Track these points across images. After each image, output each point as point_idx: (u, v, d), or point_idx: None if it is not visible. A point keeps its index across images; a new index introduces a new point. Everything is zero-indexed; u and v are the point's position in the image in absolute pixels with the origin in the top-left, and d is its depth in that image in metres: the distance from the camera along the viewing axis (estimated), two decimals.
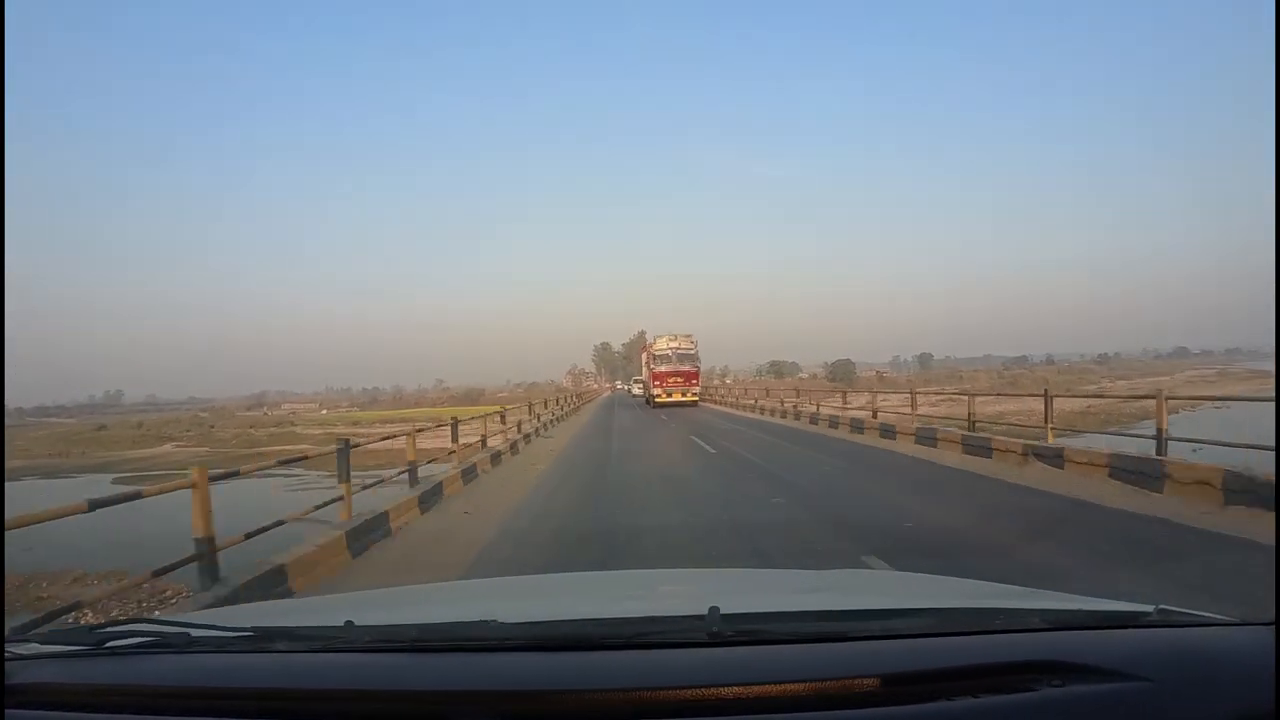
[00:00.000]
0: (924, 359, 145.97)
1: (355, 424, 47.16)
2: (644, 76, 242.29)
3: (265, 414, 75.05)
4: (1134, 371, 75.35)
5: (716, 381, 66.67)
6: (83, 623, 2.41)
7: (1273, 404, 5.87)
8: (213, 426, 49.78)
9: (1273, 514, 4.73)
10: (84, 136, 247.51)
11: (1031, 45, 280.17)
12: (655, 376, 29.63)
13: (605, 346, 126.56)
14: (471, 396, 79.77)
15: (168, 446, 37.80)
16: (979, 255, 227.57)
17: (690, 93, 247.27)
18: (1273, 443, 5.72)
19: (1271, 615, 0.91)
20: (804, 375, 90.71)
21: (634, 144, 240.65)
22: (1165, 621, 0.99)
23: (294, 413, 75.80)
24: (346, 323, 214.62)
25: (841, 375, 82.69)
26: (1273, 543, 4.36)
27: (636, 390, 47.66)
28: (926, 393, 23.48)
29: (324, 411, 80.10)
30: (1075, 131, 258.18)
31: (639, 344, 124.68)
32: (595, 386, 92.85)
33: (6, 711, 0.86)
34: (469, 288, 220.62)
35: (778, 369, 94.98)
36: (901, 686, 0.84)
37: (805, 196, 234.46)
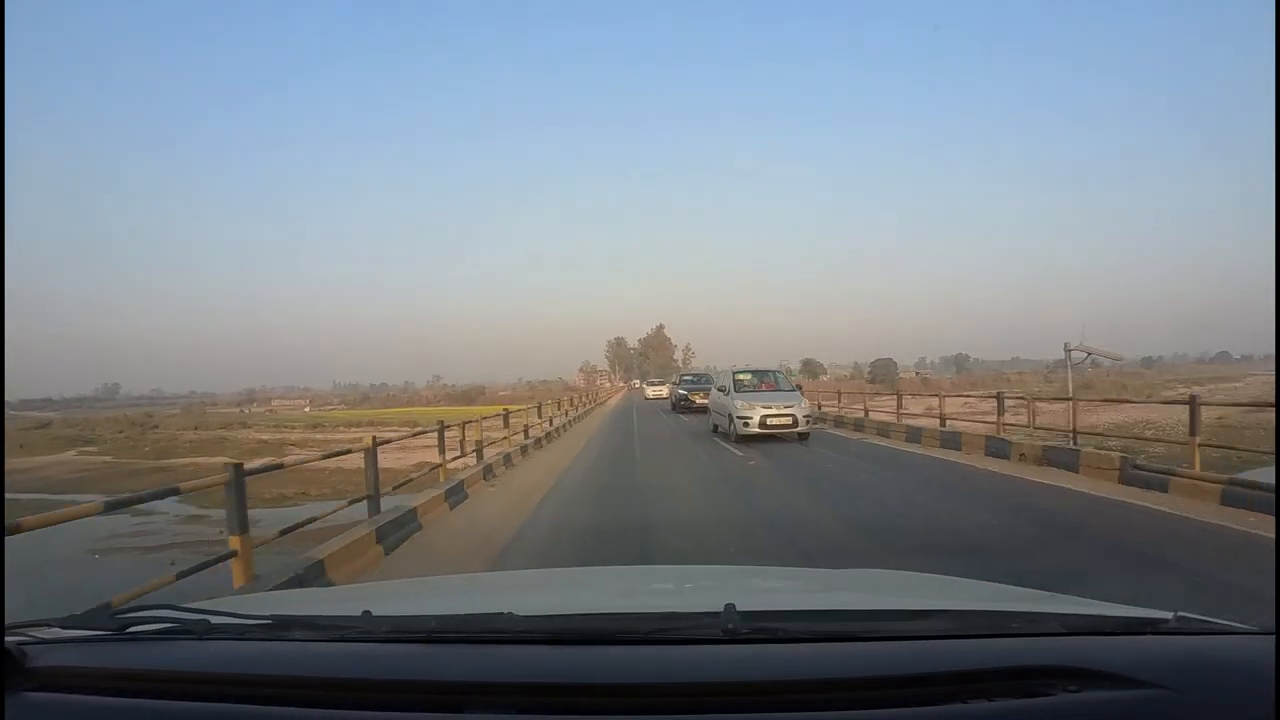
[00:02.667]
0: (960, 360, 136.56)
1: (317, 426, 40.06)
2: (666, 68, 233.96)
3: (241, 411, 68.62)
4: (1201, 376, 65.89)
5: None
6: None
7: None
8: (156, 427, 42.56)
9: None
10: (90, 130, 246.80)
11: (1056, 32, 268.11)
12: None
13: (620, 342, 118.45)
14: (470, 395, 72.27)
15: (70, 454, 30.38)
16: (1008, 256, 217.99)
17: (710, 86, 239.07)
18: None
19: None
20: (825, 377, 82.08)
21: (653, 138, 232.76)
22: (1184, 629, 0.97)
23: (271, 410, 69.37)
24: (358, 317, 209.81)
25: (883, 376, 73.93)
26: None
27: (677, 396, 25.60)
28: (993, 396, 17.10)
29: (307, 409, 73.39)
30: (1108, 129, 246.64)
31: (657, 340, 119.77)
32: (609, 385, 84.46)
33: (27, 694, 0.86)
34: (482, 281, 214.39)
35: (811, 369, 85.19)
36: (916, 688, 0.83)
37: (825, 196, 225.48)
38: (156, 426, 42.87)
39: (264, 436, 34.50)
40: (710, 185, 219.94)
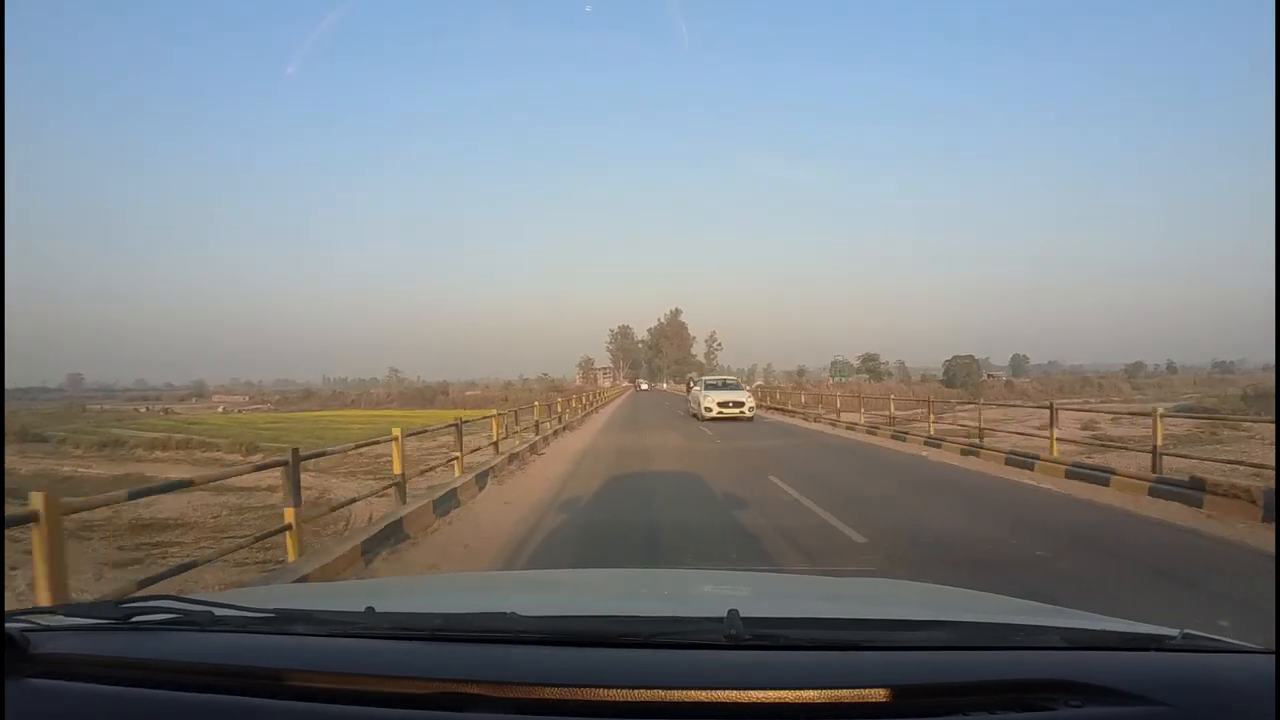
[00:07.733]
0: (1018, 363, 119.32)
1: (107, 445, 25.84)
2: (700, 61, 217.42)
3: (137, 411, 55.10)
4: None
5: (789, 386, 43.44)
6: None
7: None
8: None
9: None
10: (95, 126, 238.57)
11: (1110, 35, 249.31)
12: None
13: (624, 332, 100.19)
14: (428, 396, 57.66)
15: None
16: (1053, 258, 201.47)
17: (744, 82, 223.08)
18: None
19: None
20: (855, 378, 65.86)
21: (672, 130, 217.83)
22: (1189, 646, 0.96)
23: (170, 409, 55.83)
24: (353, 311, 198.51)
25: (962, 379, 57.91)
26: None
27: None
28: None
29: (220, 409, 59.75)
30: (1165, 119, 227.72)
31: (671, 329, 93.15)
32: (610, 385, 69.37)
33: (29, 680, 0.87)
34: (483, 274, 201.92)
35: (872, 367, 67.14)
36: (917, 699, 0.83)
37: (859, 192, 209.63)
38: None
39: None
40: (740, 176, 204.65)
